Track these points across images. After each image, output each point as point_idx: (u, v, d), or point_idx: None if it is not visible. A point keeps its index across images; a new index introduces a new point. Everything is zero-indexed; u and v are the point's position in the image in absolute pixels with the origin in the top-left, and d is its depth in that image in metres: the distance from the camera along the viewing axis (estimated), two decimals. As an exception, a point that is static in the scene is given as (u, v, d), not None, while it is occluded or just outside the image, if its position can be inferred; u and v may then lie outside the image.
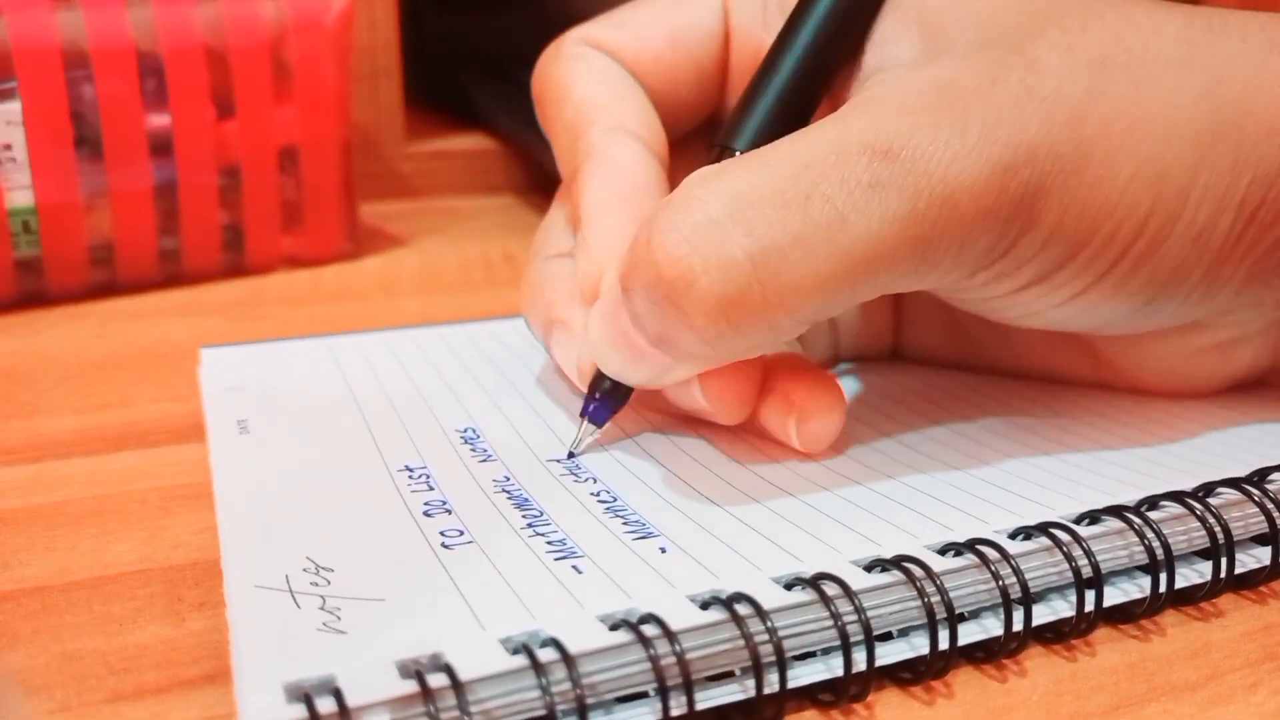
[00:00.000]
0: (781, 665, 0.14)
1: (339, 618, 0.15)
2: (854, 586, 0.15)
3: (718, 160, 0.20)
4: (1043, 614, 0.16)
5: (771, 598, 0.15)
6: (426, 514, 0.18)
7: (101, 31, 0.30)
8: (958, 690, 0.15)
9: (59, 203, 0.30)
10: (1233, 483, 0.18)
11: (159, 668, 0.16)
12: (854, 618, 0.15)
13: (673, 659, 0.14)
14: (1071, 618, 0.16)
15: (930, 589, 0.15)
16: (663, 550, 0.17)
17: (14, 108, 0.29)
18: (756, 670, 0.14)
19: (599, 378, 0.20)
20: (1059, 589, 0.17)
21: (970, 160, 0.16)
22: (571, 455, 0.20)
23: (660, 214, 0.17)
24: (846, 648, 0.15)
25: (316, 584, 0.15)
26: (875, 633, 0.15)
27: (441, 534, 0.17)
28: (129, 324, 0.30)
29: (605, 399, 0.20)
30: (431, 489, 0.19)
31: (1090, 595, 0.16)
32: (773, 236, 0.16)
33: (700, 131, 0.23)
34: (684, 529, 0.17)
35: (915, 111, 0.17)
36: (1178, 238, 0.18)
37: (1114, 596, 0.17)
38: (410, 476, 0.19)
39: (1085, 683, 0.16)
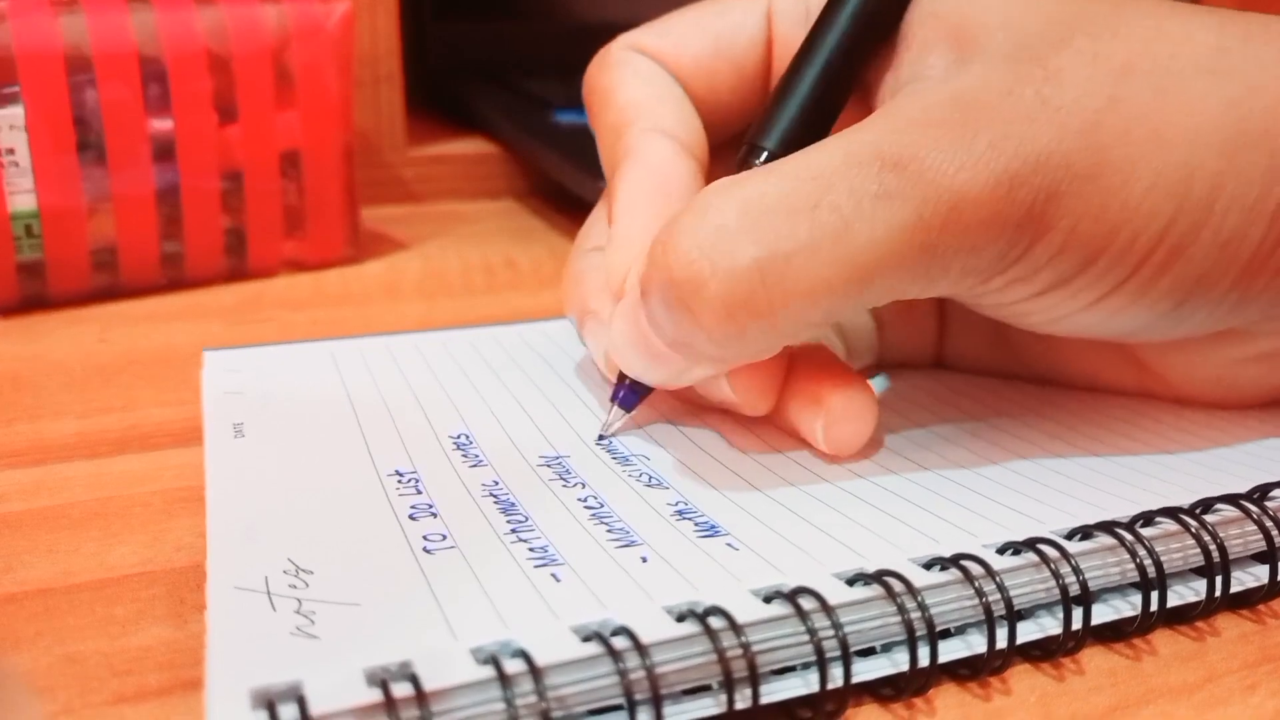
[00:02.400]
0: (754, 681, 0.14)
1: (313, 622, 0.15)
2: (833, 601, 0.15)
3: (746, 156, 0.20)
4: (1029, 631, 0.16)
5: (748, 611, 0.15)
6: (412, 517, 0.18)
7: (104, 36, 0.30)
8: (940, 708, 0.15)
9: (62, 207, 0.30)
10: (1232, 499, 0.18)
11: (161, 669, 0.16)
12: (831, 634, 0.15)
13: (642, 672, 0.14)
14: (1059, 635, 0.16)
15: (911, 605, 0.15)
16: (644, 560, 0.16)
17: (17, 112, 0.29)
18: (728, 685, 0.14)
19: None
20: (1047, 605, 0.16)
21: (976, 171, 0.17)
22: (602, 439, 0.21)
23: (677, 220, 0.18)
24: (822, 664, 0.14)
25: (295, 586, 0.15)
26: (857, 648, 0.15)
27: (424, 538, 0.17)
28: (131, 328, 0.30)
29: (634, 385, 0.21)
30: (419, 493, 0.19)
31: (1079, 612, 0.16)
32: (779, 244, 0.17)
33: (743, 134, 0.24)
34: (666, 537, 0.17)
35: (926, 125, 0.17)
36: (1203, 246, 0.18)
37: (1105, 614, 0.16)
38: (399, 481, 0.19)
39: (1082, 684, 0.16)
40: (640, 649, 0.14)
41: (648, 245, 0.19)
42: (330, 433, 0.21)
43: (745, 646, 0.14)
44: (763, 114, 0.21)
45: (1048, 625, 0.16)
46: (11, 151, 0.29)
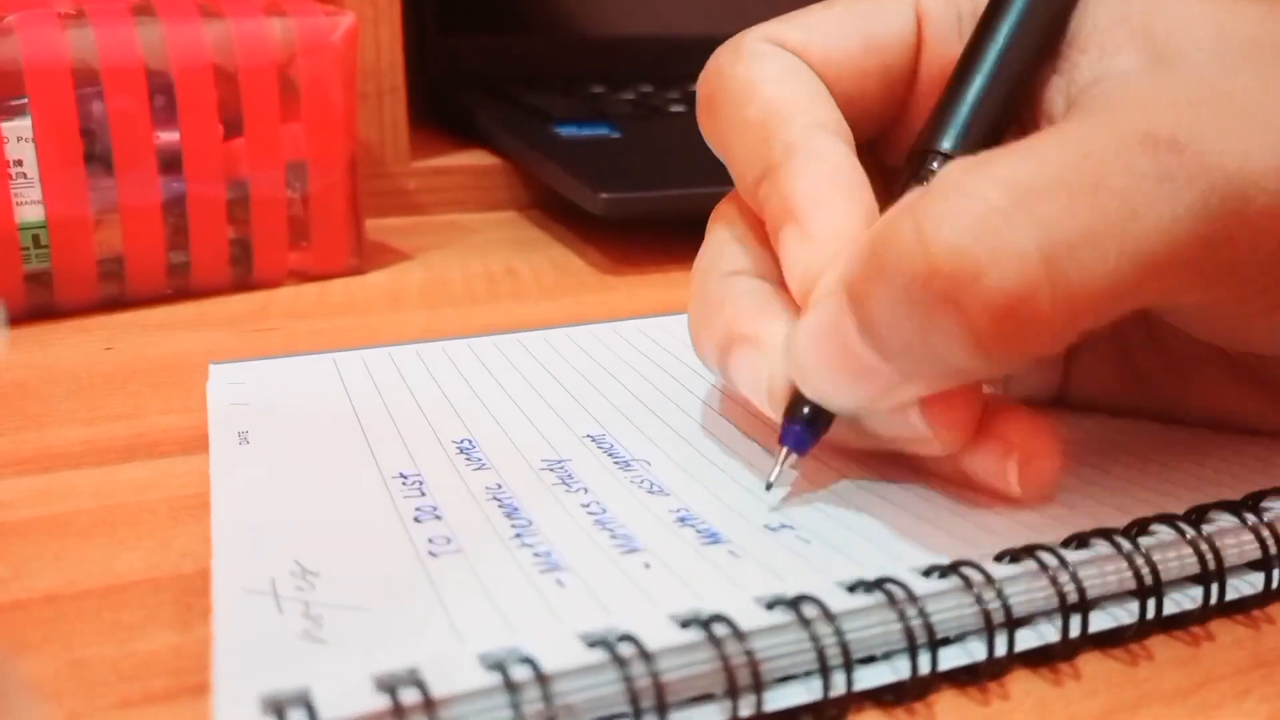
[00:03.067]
0: (758, 688, 0.14)
1: (321, 625, 0.15)
2: (835, 609, 0.15)
3: (919, 167, 0.19)
4: (1028, 638, 0.16)
5: (751, 618, 0.15)
6: (416, 520, 0.18)
7: (111, 49, 0.30)
8: (939, 712, 0.15)
9: (69, 217, 0.31)
10: (1226, 506, 0.18)
11: (168, 675, 0.16)
12: (833, 640, 0.15)
13: (648, 680, 0.14)
14: (1057, 642, 0.16)
15: (912, 612, 0.15)
16: (647, 566, 0.17)
17: (25, 124, 0.30)
18: (732, 693, 0.14)
19: (797, 401, 0.18)
20: (1045, 613, 0.16)
21: (1264, 155, 0.15)
22: (769, 487, 0.19)
23: (925, 204, 0.15)
24: (825, 671, 0.15)
25: (301, 588, 0.16)
26: (858, 655, 0.15)
27: (429, 541, 0.17)
28: (138, 337, 0.30)
29: (807, 424, 0.18)
30: (423, 495, 0.19)
31: (1077, 620, 0.16)
32: (1063, 229, 0.15)
33: (864, 149, 0.21)
34: (669, 545, 0.17)
35: (1193, 105, 0.16)
36: None
37: (1102, 621, 0.17)
38: (404, 483, 0.19)
39: (1079, 688, 0.16)
40: (646, 656, 0.14)
41: (850, 241, 0.17)
42: (334, 437, 0.22)
43: (749, 654, 0.14)
44: (934, 119, 0.19)
45: (1046, 633, 0.16)
46: (19, 163, 0.30)
